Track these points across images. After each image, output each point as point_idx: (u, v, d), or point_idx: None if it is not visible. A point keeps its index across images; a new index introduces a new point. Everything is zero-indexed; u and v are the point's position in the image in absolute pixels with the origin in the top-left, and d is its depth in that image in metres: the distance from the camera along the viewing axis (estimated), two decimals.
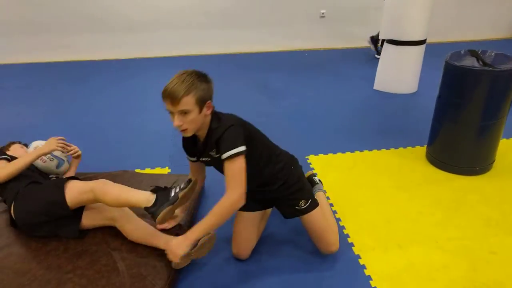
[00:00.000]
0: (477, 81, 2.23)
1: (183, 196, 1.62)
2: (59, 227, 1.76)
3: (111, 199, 1.65)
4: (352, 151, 2.74)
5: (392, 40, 3.58)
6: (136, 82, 4.27)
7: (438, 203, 2.20)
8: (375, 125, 3.14)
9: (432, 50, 4.52)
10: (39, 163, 2.03)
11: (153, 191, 1.66)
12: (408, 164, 2.57)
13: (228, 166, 1.53)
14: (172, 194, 1.62)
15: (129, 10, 4.87)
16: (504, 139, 2.82)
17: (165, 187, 1.68)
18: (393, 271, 1.76)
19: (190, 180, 1.66)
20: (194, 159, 1.77)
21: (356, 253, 1.87)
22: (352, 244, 1.92)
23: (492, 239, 1.93)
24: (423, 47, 3.60)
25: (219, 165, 1.61)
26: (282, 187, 1.76)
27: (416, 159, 2.64)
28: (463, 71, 2.23)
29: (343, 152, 2.73)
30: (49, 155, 2.05)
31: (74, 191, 1.69)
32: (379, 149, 2.76)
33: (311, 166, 2.58)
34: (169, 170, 2.55)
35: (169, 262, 1.63)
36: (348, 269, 1.78)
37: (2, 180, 1.81)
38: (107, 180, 1.71)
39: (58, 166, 2.12)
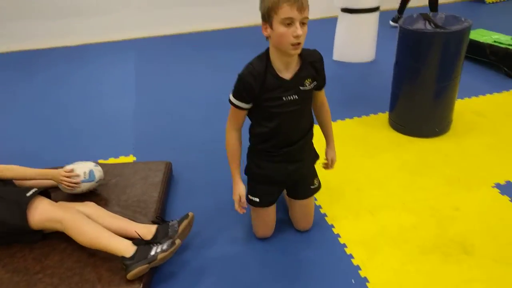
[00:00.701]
0: (430, 43, 2.28)
1: (162, 258, 1.51)
2: (17, 238, 1.63)
3: (84, 240, 1.53)
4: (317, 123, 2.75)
5: (346, 8, 3.59)
6: (90, 69, 4.04)
7: (403, 166, 2.27)
8: (337, 96, 3.16)
9: (387, 17, 4.59)
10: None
11: (135, 242, 1.55)
12: (373, 132, 2.63)
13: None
14: (152, 253, 1.51)
15: None
16: (459, 99, 2.93)
17: (149, 241, 1.57)
18: (366, 237, 1.81)
19: (173, 243, 1.55)
20: (249, 105, 1.51)
21: (329, 223, 1.90)
22: (325, 215, 1.95)
23: (455, 196, 2.03)
24: (377, 14, 3.63)
25: (302, 101, 1.51)
26: (310, 146, 1.73)
27: (380, 126, 2.70)
28: (416, 34, 2.28)
29: None
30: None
31: (40, 217, 1.54)
32: (343, 119, 2.80)
33: None
34: (134, 158, 2.47)
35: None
36: (323, 239, 1.81)
37: None
38: (80, 213, 1.56)
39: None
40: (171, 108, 3.11)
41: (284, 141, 1.59)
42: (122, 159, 2.45)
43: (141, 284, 1.48)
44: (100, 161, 2.35)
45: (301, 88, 1.50)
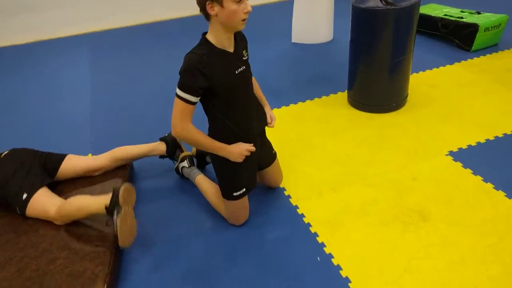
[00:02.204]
0: (382, 20, 2.32)
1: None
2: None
3: (74, 216, 1.71)
4: (279, 107, 2.77)
5: None
6: (40, 69, 3.88)
7: (363, 143, 2.32)
8: (298, 78, 3.18)
9: None
10: None
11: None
12: (333, 111, 2.67)
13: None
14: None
15: None
16: (414, 73, 3.02)
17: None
18: (329, 215, 1.85)
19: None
20: (198, 99, 1.52)
21: (293, 204, 1.93)
22: (289, 196, 1.98)
23: (413, 167, 2.10)
24: None
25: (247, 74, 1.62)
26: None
27: (339, 105, 2.74)
28: (368, 12, 2.31)
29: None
30: None
31: (37, 210, 1.73)
32: (303, 101, 2.82)
33: None
34: None
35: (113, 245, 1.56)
36: (287, 220, 1.84)
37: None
38: (64, 201, 1.72)
39: None
40: (129, 103, 3.04)
41: (249, 117, 1.68)
42: None
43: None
44: None
45: (243, 58, 1.61)
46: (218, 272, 1.62)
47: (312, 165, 2.18)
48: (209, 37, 1.48)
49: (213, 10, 1.39)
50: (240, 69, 1.56)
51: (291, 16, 3.85)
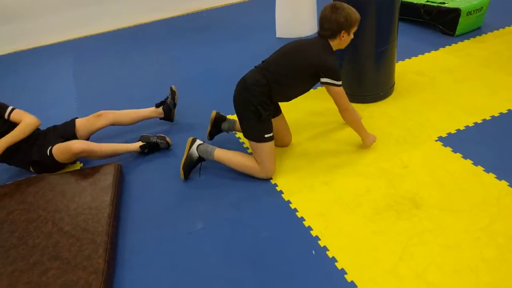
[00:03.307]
0: (364, 11, 2.30)
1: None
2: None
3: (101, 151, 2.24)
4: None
5: None
6: (24, 78, 3.81)
7: (353, 134, 2.30)
8: None
9: None
10: None
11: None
12: (322, 104, 2.66)
13: None
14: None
15: None
16: (400, 61, 3.02)
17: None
18: (322, 207, 1.84)
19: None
20: None
21: (286, 199, 1.92)
22: (281, 192, 1.97)
23: (403, 154, 2.10)
24: None
25: None
26: None
27: (327, 97, 2.72)
28: (350, 3, 2.26)
29: None
30: None
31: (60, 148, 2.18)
32: None
33: (237, 135, 2.56)
34: (81, 165, 2.37)
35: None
36: (281, 216, 1.83)
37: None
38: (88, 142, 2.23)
39: None
40: (116, 106, 2.99)
41: None
42: (69, 167, 2.35)
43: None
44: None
45: None
46: (214, 273, 1.61)
47: (303, 158, 2.18)
48: (334, 48, 1.98)
49: (343, 36, 1.91)
50: None
51: (274, 11, 3.83)
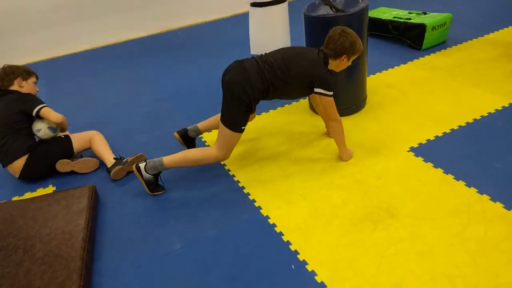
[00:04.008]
0: (333, 27, 2.38)
1: (131, 162, 2.31)
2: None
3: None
4: None
5: (255, 2, 3.64)
6: None
7: (328, 147, 2.35)
8: None
9: (295, 5, 4.73)
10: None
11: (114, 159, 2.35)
12: (296, 119, 2.70)
13: None
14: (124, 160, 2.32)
15: None
16: (372, 75, 3.11)
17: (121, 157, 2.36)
18: (300, 221, 1.85)
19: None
20: None
21: (264, 214, 1.92)
22: (259, 207, 1.97)
23: (377, 166, 2.14)
24: (285, 4, 3.72)
25: None
26: None
27: (302, 112, 2.78)
28: (319, 20, 2.37)
29: None
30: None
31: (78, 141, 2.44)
32: (267, 111, 2.84)
33: (203, 140, 2.56)
34: (54, 188, 2.31)
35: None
36: (259, 231, 1.83)
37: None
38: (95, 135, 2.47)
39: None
40: (89, 124, 2.95)
41: None
42: (41, 192, 2.28)
43: None
44: (15, 198, 2.17)
45: None
46: None
47: (280, 173, 2.19)
48: (330, 67, 2.07)
49: (342, 60, 2.01)
50: None
51: (248, 28, 3.89)
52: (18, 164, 2.25)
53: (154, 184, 2.12)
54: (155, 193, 2.13)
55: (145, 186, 2.11)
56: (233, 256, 1.72)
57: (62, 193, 2.07)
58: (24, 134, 2.28)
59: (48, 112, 2.29)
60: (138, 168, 2.07)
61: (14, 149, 2.24)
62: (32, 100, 2.32)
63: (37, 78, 2.45)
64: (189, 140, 2.41)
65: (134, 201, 2.13)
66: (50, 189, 2.31)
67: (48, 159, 2.32)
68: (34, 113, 2.27)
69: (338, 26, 2.03)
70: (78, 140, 2.43)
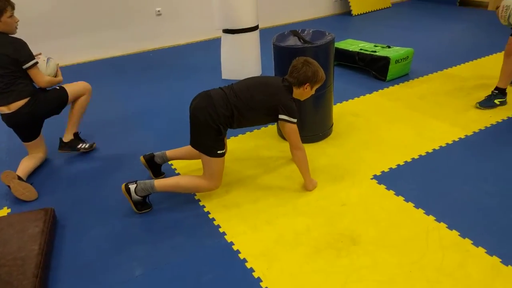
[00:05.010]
0: (297, 57, 2.45)
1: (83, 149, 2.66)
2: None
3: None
4: None
5: (227, 29, 3.71)
6: None
7: (294, 173, 2.38)
8: None
9: (266, 34, 4.85)
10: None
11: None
12: (264, 144, 2.73)
13: None
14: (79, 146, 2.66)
15: None
16: (338, 103, 3.21)
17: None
18: (264, 247, 1.84)
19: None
20: None
21: (228, 241, 1.90)
22: (224, 233, 1.95)
23: (341, 193, 2.18)
24: (257, 32, 3.82)
25: None
26: None
27: (270, 137, 2.82)
28: (287, 50, 2.44)
29: None
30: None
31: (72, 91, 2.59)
32: (236, 135, 2.86)
33: (173, 167, 2.53)
34: (9, 210, 2.20)
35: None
36: (223, 258, 1.80)
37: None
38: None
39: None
40: (51, 141, 2.86)
41: None
42: None
43: None
44: None
45: None
46: None
47: (246, 198, 2.19)
48: (294, 95, 2.12)
49: (306, 88, 2.07)
50: None
51: (220, 53, 3.95)
52: (16, 104, 2.35)
53: (142, 204, 2.11)
54: (142, 211, 2.11)
55: (133, 206, 2.09)
56: (194, 284, 1.68)
57: (17, 216, 1.97)
58: (27, 77, 2.38)
59: (36, 74, 2.38)
60: (128, 190, 2.05)
61: (20, 91, 2.34)
62: (26, 54, 2.40)
63: (13, 8, 2.37)
64: (154, 166, 2.38)
65: (96, 223, 2.06)
66: (5, 211, 2.20)
67: (46, 105, 2.46)
68: (24, 67, 2.35)
69: (301, 57, 2.10)
70: (71, 91, 2.58)
